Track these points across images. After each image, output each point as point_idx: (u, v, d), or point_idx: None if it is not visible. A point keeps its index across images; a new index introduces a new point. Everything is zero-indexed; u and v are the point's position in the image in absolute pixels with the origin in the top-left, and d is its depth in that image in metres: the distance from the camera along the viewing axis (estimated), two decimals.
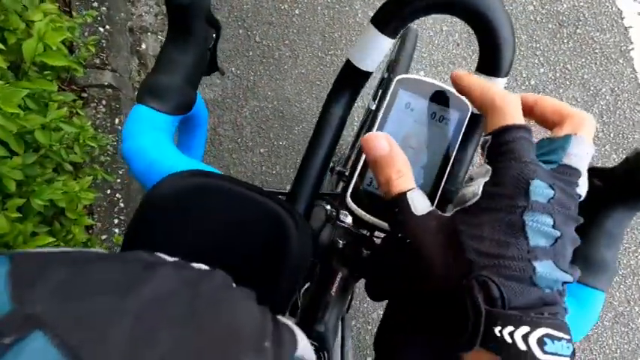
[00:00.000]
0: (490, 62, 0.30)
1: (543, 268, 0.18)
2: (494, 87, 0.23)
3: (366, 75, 0.34)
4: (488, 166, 0.21)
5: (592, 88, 1.43)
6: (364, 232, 0.36)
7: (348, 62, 0.34)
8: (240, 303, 0.17)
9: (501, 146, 0.21)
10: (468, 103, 0.29)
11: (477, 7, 0.28)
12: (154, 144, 0.32)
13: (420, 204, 0.22)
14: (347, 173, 0.95)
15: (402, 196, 0.22)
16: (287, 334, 0.18)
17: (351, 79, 0.34)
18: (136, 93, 0.34)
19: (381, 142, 0.23)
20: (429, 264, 0.20)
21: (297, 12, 1.40)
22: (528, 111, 0.24)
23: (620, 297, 1.30)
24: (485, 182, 0.21)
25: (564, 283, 0.19)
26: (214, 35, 0.36)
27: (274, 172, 1.30)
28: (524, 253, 0.18)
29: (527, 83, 1.42)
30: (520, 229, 0.19)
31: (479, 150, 0.24)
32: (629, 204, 0.27)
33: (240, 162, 1.30)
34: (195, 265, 0.18)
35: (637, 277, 1.31)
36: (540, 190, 0.19)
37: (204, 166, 0.32)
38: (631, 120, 1.41)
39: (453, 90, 0.29)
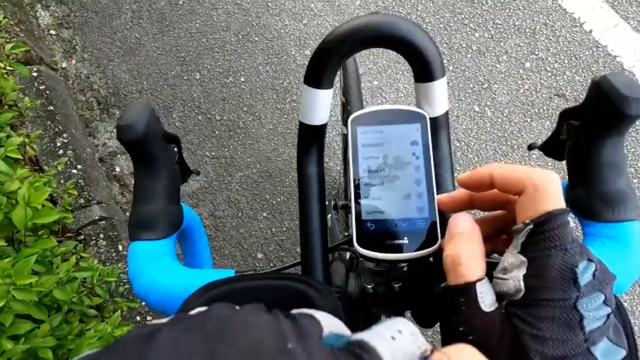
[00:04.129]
0: (424, 71, 0.31)
1: (602, 352, 0.19)
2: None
3: (323, 127, 0.35)
4: (523, 258, 0.20)
5: (527, 30, 1.51)
6: (386, 266, 0.36)
7: (301, 124, 0.35)
8: (249, 320, 0.17)
9: (541, 234, 0.20)
10: (423, 112, 0.31)
11: (393, 34, 0.29)
12: (161, 272, 0.32)
13: (488, 298, 0.21)
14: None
15: (471, 286, 0.21)
16: (307, 322, 0.17)
17: (310, 137, 0.35)
18: (127, 232, 0.34)
19: (463, 220, 0.23)
20: None
21: (242, 79, 1.47)
22: (486, 187, 0.23)
23: None
24: (524, 275, 0.20)
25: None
26: (176, 149, 0.36)
27: (284, 228, 1.29)
28: (583, 343, 0.18)
29: (470, 51, 1.49)
30: (577, 323, 0.19)
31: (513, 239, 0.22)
32: (614, 129, 0.27)
33: (249, 234, 1.29)
34: (193, 311, 0.18)
35: None
36: (585, 269, 0.19)
37: (213, 273, 0.32)
38: (574, 42, 1.48)
39: (402, 106, 0.31)
